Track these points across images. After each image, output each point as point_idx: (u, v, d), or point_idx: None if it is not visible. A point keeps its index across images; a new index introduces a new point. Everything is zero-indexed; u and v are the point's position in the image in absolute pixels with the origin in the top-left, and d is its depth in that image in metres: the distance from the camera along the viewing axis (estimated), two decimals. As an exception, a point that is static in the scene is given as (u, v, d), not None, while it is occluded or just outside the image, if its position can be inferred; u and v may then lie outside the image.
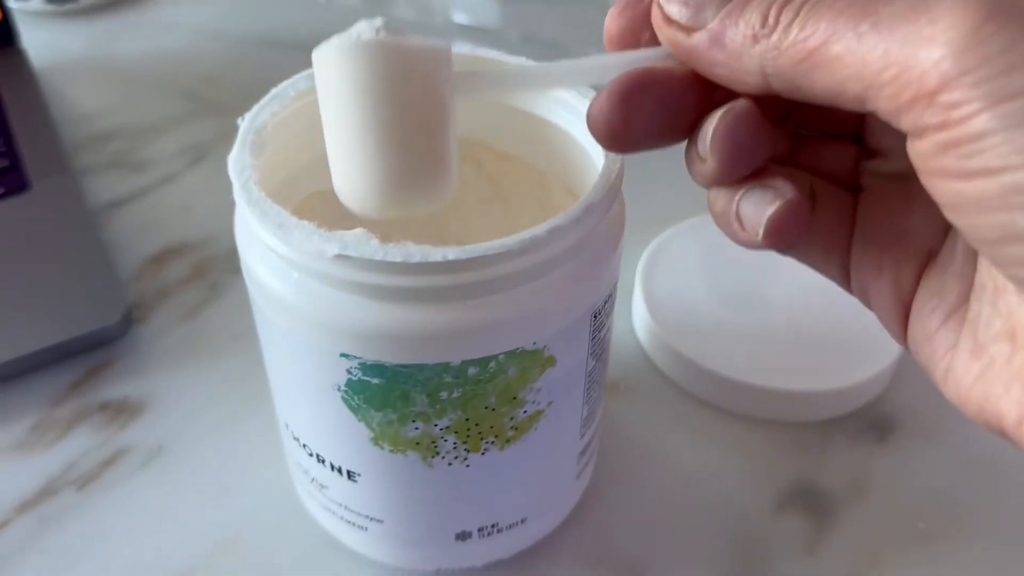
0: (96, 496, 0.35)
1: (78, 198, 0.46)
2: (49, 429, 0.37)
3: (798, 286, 0.41)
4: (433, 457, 0.27)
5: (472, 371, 0.25)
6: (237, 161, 0.26)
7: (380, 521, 0.30)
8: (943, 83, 0.17)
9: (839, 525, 0.35)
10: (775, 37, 0.19)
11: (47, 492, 0.35)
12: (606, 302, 0.27)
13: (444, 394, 0.25)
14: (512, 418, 0.27)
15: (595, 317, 0.27)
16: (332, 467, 0.29)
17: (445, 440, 0.27)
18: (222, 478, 0.36)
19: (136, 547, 0.34)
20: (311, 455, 0.29)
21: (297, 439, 0.30)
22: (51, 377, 0.39)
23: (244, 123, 0.27)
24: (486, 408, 0.26)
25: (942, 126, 0.17)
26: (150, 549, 0.34)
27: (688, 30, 0.21)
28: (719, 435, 0.37)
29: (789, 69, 0.19)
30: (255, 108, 0.28)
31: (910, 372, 0.39)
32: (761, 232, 0.22)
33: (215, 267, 0.44)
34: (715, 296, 0.41)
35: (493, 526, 0.30)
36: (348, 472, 0.29)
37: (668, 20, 0.21)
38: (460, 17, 0.63)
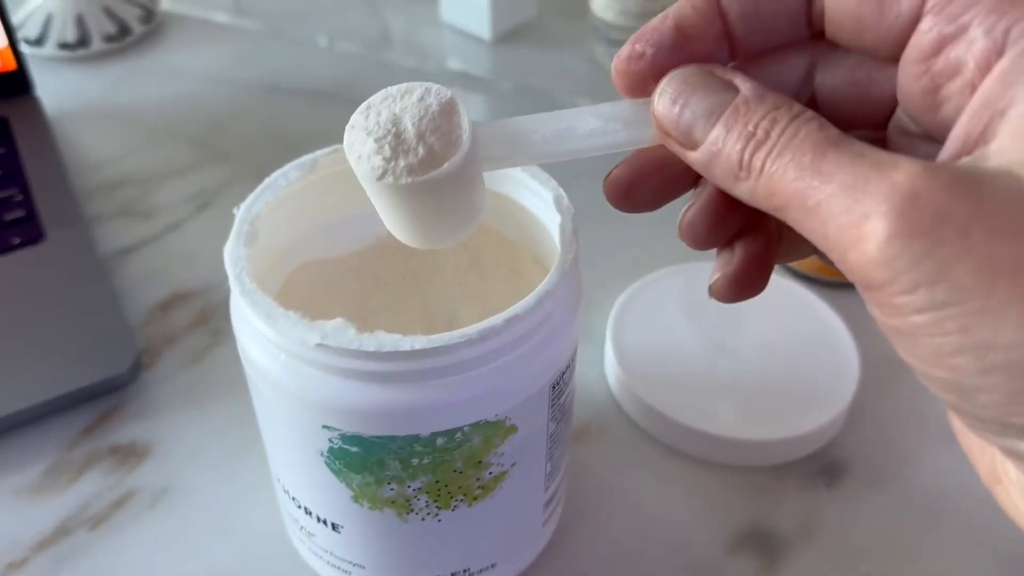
0: (107, 536, 0.38)
1: (90, 247, 0.49)
2: (63, 472, 0.41)
3: (757, 335, 0.44)
4: (408, 513, 0.30)
5: (440, 441, 0.28)
6: (232, 252, 0.29)
7: (362, 567, 0.33)
8: (875, 285, 0.19)
9: (788, 566, 0.37)
10: (750, 183, 0.21)
11: (61, 532, 0.39)
12: (564, 372, 0.31)
13: (415, 460, 0.28)
14: (479, 479, 0.30)
15: (554, 387, 0.30)
16: (318, 519, 0.32)
17: (418, 499, 0.30)
18: (222, 519, 0.39)
19: (143, 583, 0.37)
20: (299, 507, 0.32)
21: (287, 492, 0.33)
22: (65, 422, 0.42)
23: (240, 213, 0.30)
24: (454, 471, 0.29)
25: (881, 311, 0.20)
26: (156, 585, 0.37)
27: (684, 147, 0.22)
28: (679, 478, 0.40)
29: (767, 207, 0.21)
30: (249, 199, 0.31)
31: (860, 419, 0.42)
32: (713, 294, 0.25)
33: (217, 314, 0.48)
34: (680, 346, 0.44)
35: (465, 571, 0.33)
36: (332, 524, 0.32)
37: (666, 135, 0.23)
38: (454, 64, 0.66)
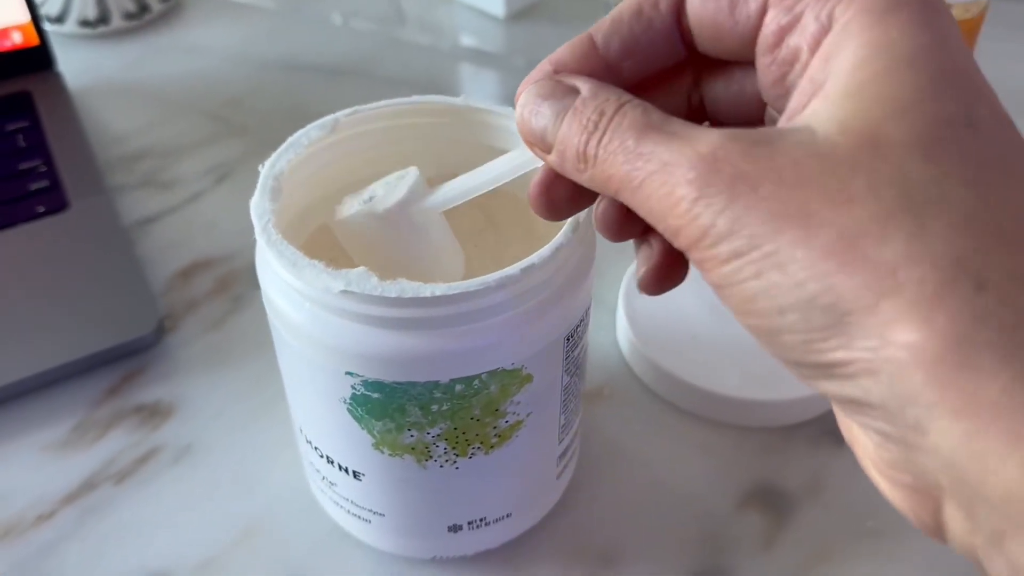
0: (132, 490, 0.40)
1: (113, 216, 0.50)
2: (89, 429, 0.42)
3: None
4: (426, 460, 0.31)
5: (459, 387, 0.29)
6: (258, 206, 0.30)
7: (382, 515, 0.34)
8: (691, 244, 0.20)
9: (795, 523, 0.38)
10: (590, 171, 0.23)
11: (88, 486, 0.40)
12: (578, 326, 0.31)
13: (435, 407, 0.29)
14: (495, 427, 0.31)
15: (568, 339, 0.31)
16: (340, 467, 0.33)
17: (436, 446, 0.31)
18: (244, 474, 0.40)
19: (167, 536, 0.38)
20: (322, 456, 0.33)
21: (309, 442, 0.34)
22: (91, 383, 0.44)
23: (264, 170, 0.31)
24: (472, 419, 0.30)
25: (701, 269, 0.21)
26: (180, 538, 0.38)
27: (544, 151, 0.24)
28: (690, 438, 0.41)
29: (609, 193, 0.23)
30: (273, 156, 0.32)
31: (868, 383, 0.43)
32: (642, 289, 0.26)
33: (238, 281, 0.49)
34: (690, 311, 0.44)
35: (481, 520, 0.34)
36: (354, 472, 0.33)
37: (530, 144, 0.25)
38: (468, 41, 0.67)
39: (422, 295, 0.27)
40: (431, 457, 0.31)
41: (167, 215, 0.53)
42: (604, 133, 0.22)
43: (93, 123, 0.59)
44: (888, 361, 0.18)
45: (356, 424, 0.31)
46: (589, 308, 0.32)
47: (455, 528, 0.34)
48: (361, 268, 0.27)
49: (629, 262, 0.47)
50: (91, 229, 0.49)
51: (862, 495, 0.39)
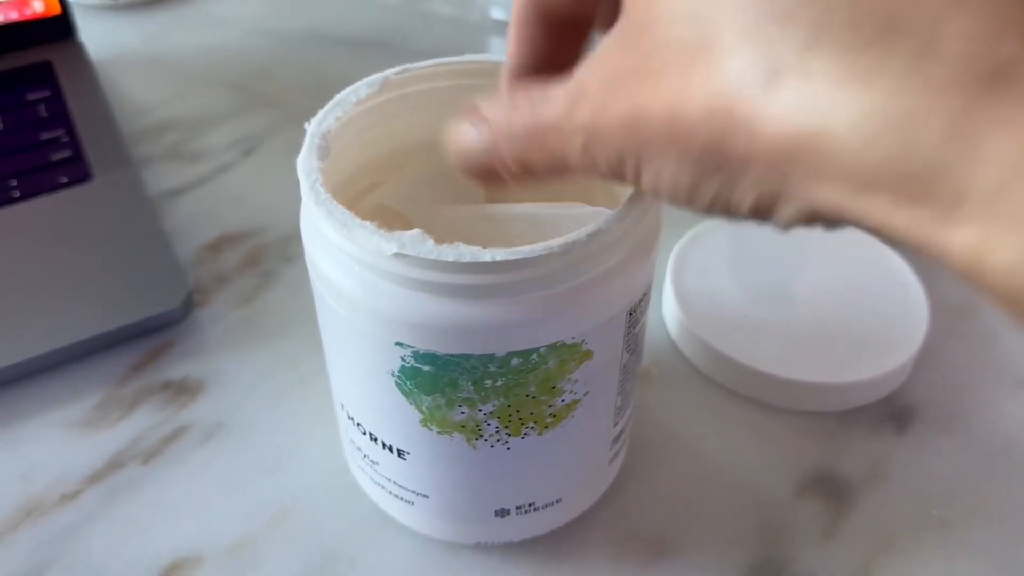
0: (160, 470, 0.38)
1: (138, 188, 0.48)
2: (115, 407, 0.40)
3: (822, 281, 0.43)
4: (477, 439, 0.29)
5: (515, 362, 0.27)
6: (305, 164, 0.28)
7: (426, 496, 0.32)
8: None
9: (856, 511, 0.36)
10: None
11: (114, 465, 0.38)
12: (641, 300, 0.29)
13: (488, 382, 0.28)
14: (551, 406, 0.29)
15: (631, 314, 0.29)
16: (383, 445, 0.31)
17: (488, 424, 0.29)
18: (276, 453, 0.38)
19: (197, 517, 0.36)
20: (364, 433, 0.32)
21: (352, 418, 0.32)
22: (115, 358, 0.42)
23: (311, 128, 0.29)
24: (527, 396, 0.28)
25: None
26: (210, 519, 0.36)
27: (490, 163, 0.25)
28: (743, 422, 0.39)
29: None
30: (320, 114, 0.30)
31: (930, 365, 0.41)
32: None
33: (268, 255, 0.47)
34: (742, 290, 0.42)
35: (530, 505, 0.33)
36: (398, 450, 0.31)
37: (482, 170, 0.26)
38: (497, 13, 0.65)
39: (481, 259, 0.25)
40: (482, 436, 0.29)
41: (194, 188, 0.51)
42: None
43: (115, 94, 0.58)
44: None
45: (404, 399, 0.29)
46: (651, 282, 0.30)
47: (502, 512, 0.33)
48: (416, 231, 0.25)
49: (676, 238, 0.45)
50: (116, 200, 0.48)
51: (926, 482, 0.37)
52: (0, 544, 0.35)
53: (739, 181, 0.19)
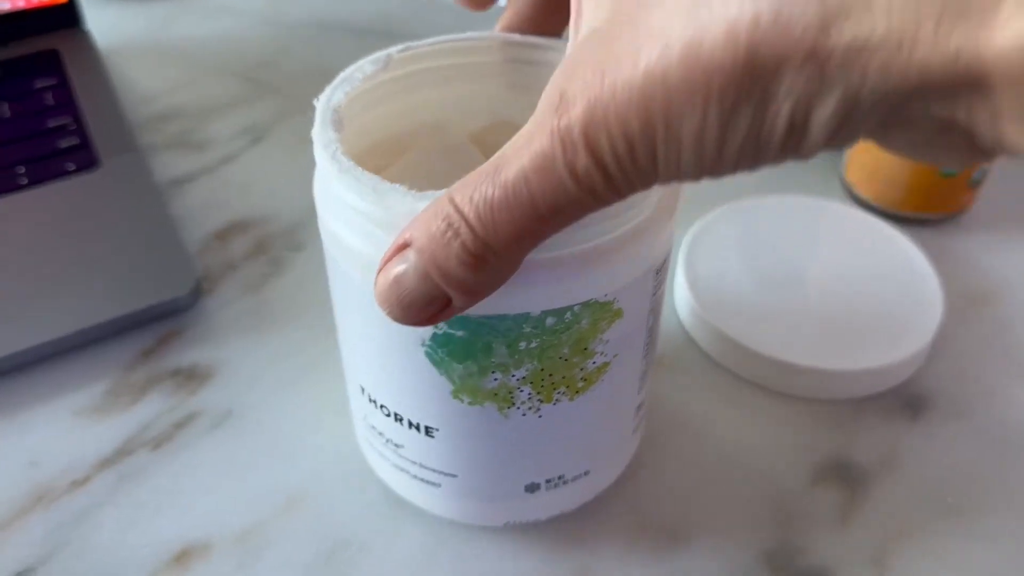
0: (169, 456, 0.38)
1: (146, 175, 0.48)
2: (124, 393, 0.40)
3: (836, 269, 0.43)
4: (509, 408, 0.29)
5: (550, 321, 0.27)
6: (322, 136, 0.27)
7: (454, 476, 0.32)
8: None
9: (870, 498, 0.36)
10: (495, 253, 0.22)
11: (124, 451, 0.38)
12: (664, 261, 0.29)
13: (523, 344, 0.27)
14: (582, 369, 0.29)
15: (657, 273, 0.29)
16: (409, 424, 0.31)
17: (521, 391, 0.28)
18: (286, 440, 0.38)
19: (207, 504, 0.36)
20: (388, 415, 0.31)
21: (373, 400, 0.32)
22: (124, 345, 0.42)
23: (320, 103, 0.29)
24: (559, 358, 0.28)
25: None
26: (219, 505, 0.36)
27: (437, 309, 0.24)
28: (756, 410, 0.39)
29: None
30: (328, 89, 0.29)
31: (945, 353, 0.41)
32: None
33: (276, 243, 0.47)
34: (754, 277, 0.42)
35: (560, 478, 0.32)
36: (426, 428, 0.30)
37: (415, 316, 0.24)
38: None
39: None
40: (514, 404, 0.29)
41: (201, 176, 0.51)
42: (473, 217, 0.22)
43: (122, 82, 0.57)
44: None
45: (434, 370, 0.28)
46: (671, 246, 0.30)
47: (532, 487, 0.32)
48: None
49: (687, 226, 0.45)
50: (123, 187, 0.47)
51: (941, 470, 0.37)
52: (10, 530, 0.35)
53: (771, 99, 0.18)
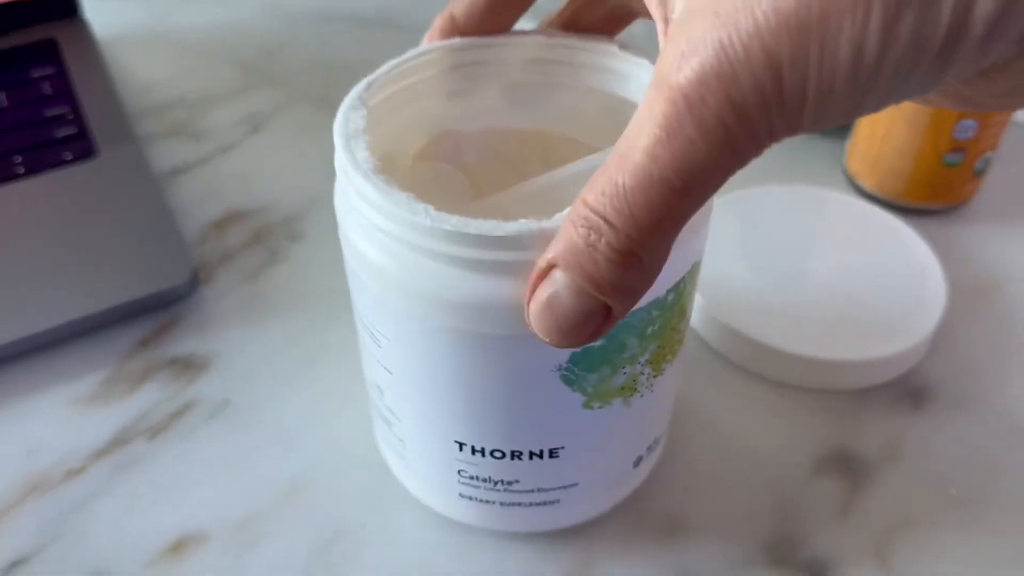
0: (166, 445, 0.37)
1: (143, 164, 0.48)
2: (121, 382, 0.39)
3: (840, 260, 0.42)
4: (632, 395, 0.29)
5: (670, 297, 0.26)
6: (344, 150, 0.26)
7: (575, 485, 0.31)
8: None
9: (873, 489, 0.36)
10: (650, 248, 0.21)
11: (120, 441, 0.38)
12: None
13: (649, 329, 0.27)
14: (679, 332, 0.29)
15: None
16: (530, 455, 0.29)
17: (643, 374, 0.28)
18: (283, 430, 0.38)
19: (204, 494, 0.36)
20: (500, 456, 0.29)
21: (479, 450, 0.29)
22: (121, 334, 0.41)
23: (347, 100, 0.28)
24: (671, 329, 0.28)
25: None
26: (216, 495, 0.36)
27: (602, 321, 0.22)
28: (759, 401, 0.39)
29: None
30: (357, 87, 0.28)
31: (947, 344, 0.41)
32: None
33: (274, 233, 0.46)
34: (755, 268, 0.42)
35: (656, 441, 0.33)
36: (550, 451, 0.29)
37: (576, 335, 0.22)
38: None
39: None
40: (636, 390, 0.29)
41: (199, 166, 0.51)
42: (613, 223, 0.20)
43: (120, 72, 0.57)
44: None
45: (567, 389, 0.27)
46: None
47: (638, 461, 0.32)
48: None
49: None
50: (121, 177, 0.47)
51: (943, 461, 0.37)
52: (5, 519, 0.35)
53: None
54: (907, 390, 0.39)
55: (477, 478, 0.31)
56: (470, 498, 0.32)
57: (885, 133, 0.45)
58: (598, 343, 0.26)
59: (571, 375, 0.27)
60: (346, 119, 0.27)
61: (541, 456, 0.29)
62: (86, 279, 0.42)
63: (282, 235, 0.46)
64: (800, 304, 0.40)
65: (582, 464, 0.30)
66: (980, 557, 0.34)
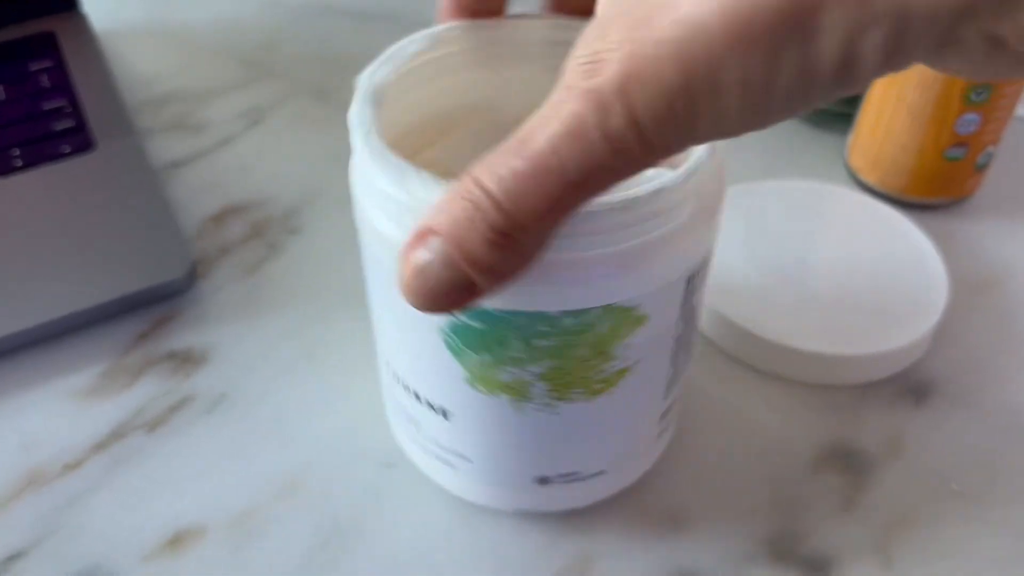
0: (164, 439, 0.37)
1: (141, 158, 0.48)
2: (119, 376, 0.39)
3: (841, 254, 0.42)
4: (523, 401, 0.29)
5: (568, 322, 0.26)
6: (359, 114, 0.27)
7: (468, 460, 0.31)
8: None
9: (874, 484, 0.36)
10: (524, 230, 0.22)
11: (118, 435, 0.37)
12: (701, 268, 0.28)
13: (540, 342, 0.27)
14: (601, 371, 0.28)
15: (689, 281, 0.28)
16: (428, 404, 0.30)
17: (535, 386, 0.28)
18: (282, 424, 0.37)
19: (201, 487, 0.36)
20: (408, 391, 0.31)
21: (397, 377, 0.31)
22: (120, 328, 0.41)
23: (362, 80, 0.28)
24: (577, 359, 0.27)
25: None
26: (215, 489, 0.35)
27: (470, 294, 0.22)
28: (759, 396, 0.39)
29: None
30: (371, 67, 0.28)
31: (949, 339, 0.40)
32: None
33: (272, 227, 0.46)
34: (757, 262, 0.42)
35: (573, 474, 0.32)
36: (443, 410, 0.30)
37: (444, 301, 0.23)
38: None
39: None
40: (528, 398, 0.28)
41: (197, 159, 0.50)
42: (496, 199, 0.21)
43: (119, 65, 0.57)
44: None
45: (451, 357, 0.28)
46: (712, 249, 0.29)
47: (544, 480, 0.32)
48: None
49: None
50: (119, 170, 0.47)
51: (945, 456, 0.37)
52: (2, 513, 0.35)
53: (817, 34, 0.18)
54: (909, 385, 0.39)
55: (398, 403, 0.33)
56: (397, 420, 0.34)
57: (887, 128, 0.45)
58: (479, 326, 0.26)
59: (451, 343, 0.27)
60: (365, 97, 0.27)
61: (436, 410, 0.31)
62: (84, 273, 0.41)
63: (281, 229, 0.46)
64: (802, 299, 0.40)
65: (474, 442, 0.31)
66: (982, 552, 0.34)
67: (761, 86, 0.18)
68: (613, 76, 0.19)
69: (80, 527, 0.34)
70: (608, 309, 0.26)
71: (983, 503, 0.35)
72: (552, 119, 0.20)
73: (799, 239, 0.43)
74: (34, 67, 0.53)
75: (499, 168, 0.20)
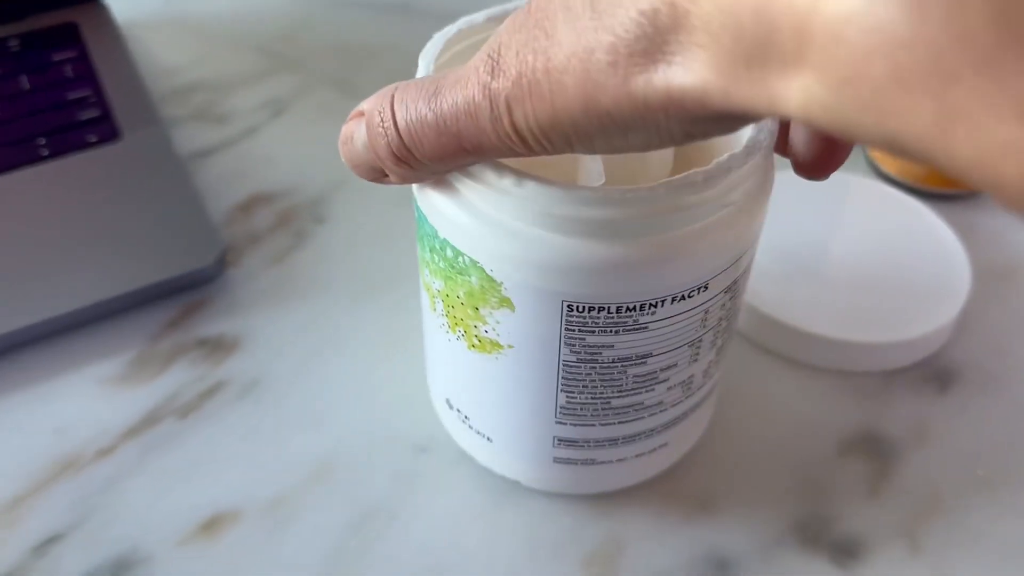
0: (197, 425, 0.38)
1: (168, 147, 0.48)
2: (150, 362, 0.40)
3: (864, 242, 0.42)
4: (449, 328, 0.31)
5: (449, 252, 0.28)
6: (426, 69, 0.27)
7: (461, 412, 0.33)
8: None
9: (900, 471, 0.36)
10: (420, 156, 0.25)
11: (151, 420, 0.38)
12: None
13: (435, 257, 0.29)
14: (475, 327, 0.29)
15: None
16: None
17: (437, 301, 0.30)
18: (315, 409, 0.38)
19: (235, 472, 0.36)
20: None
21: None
22: (150, 315, 0.41)
23: (423, 60, 0.28)
24: (456, 297, 0.29)
25: None
26: (249, 474, 0.36)
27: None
28: (782, 382, 0.39)
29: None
30: (428, 46, 0.29)
31: (972, 326, 0.41)
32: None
33: (299, 216, 0.46)
34: (781, 251, 0.42)
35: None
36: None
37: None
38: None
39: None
40: (437, 312, 0.31)
41: (223, 148, 0.51)
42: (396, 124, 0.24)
43: (142, 56, 0.57)
44: None
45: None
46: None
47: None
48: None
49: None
50: (146, 159, 0.47)
51: (970, 442, 0.37)
52: (36, 498, 0.35)
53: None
54: (933, 372, 0.39)
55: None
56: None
57: (909, 117, 0.45)
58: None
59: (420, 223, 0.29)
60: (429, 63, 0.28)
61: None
62: (114, 260, 0.42)
63: (307, 217, 0.46)
64: (826, 287, 0.40)
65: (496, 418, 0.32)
66: (1008, 537, 0.34)
67: (569, 123, 0.21)
68: (504, 90, 0.21)
69: (115, 512, 0.35)
70: (475, 264, 0.27)
71: (1009, 488, 0.36)
72: (459, 90, 0.22)
73: (823, 229, 0.43)
74: (57, 57, 0.53)
75: (410, 106, 0.23)
